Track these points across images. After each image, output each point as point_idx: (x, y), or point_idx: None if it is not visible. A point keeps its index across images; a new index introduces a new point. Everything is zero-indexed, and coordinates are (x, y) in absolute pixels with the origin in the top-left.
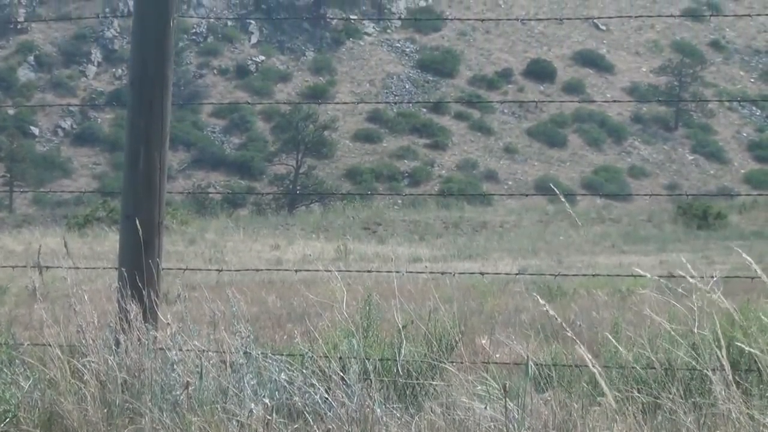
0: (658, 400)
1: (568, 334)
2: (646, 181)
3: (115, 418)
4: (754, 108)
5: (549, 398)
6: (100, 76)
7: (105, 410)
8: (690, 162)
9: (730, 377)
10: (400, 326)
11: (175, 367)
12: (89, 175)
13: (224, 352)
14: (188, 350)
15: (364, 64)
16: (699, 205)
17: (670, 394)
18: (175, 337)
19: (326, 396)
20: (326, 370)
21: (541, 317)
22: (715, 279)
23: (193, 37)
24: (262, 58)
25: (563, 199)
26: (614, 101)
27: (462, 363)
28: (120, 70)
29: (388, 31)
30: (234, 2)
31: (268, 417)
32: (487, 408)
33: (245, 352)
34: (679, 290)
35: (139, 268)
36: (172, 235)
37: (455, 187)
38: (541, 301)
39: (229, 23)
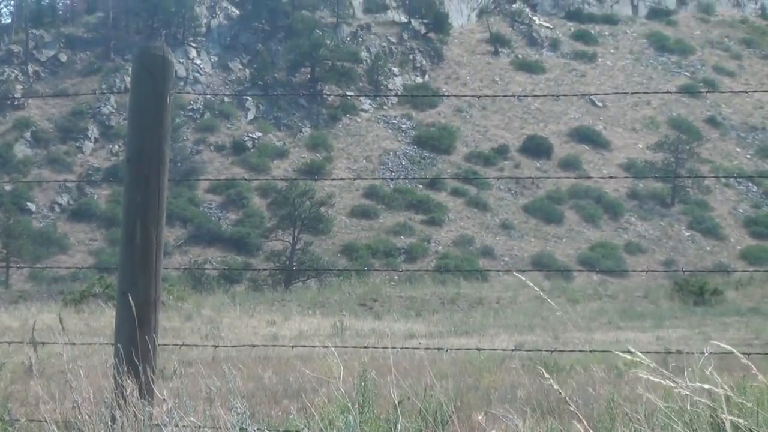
0: None
1: (571, 408)
2: (642, 257)
3: None
4: (750, 184)
5: None
6: (97, 152)
7: None
8: (686, 238)
9: None
10: (396, 402)
11: None
12: (86, 251)
13: (220, 428)
14: (184, 426)
15: (361, 141)
16: (695, 281)
17: None
18: (172, 413)
19: None
20: None
21: (537, 393)
22: (706, 355)
23: (190, 113)
24: (259, 134)
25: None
26: (610, 177)
27: None
28: (117, 146)
29: (385, 107)
30: (231, 78)
31: None
32: None
33: (241, 428)
34: (674, 364)
35: (135, 344)
36: (168, 311)
37: (451, 263)
38: (546, 374)
39: (226, 99)
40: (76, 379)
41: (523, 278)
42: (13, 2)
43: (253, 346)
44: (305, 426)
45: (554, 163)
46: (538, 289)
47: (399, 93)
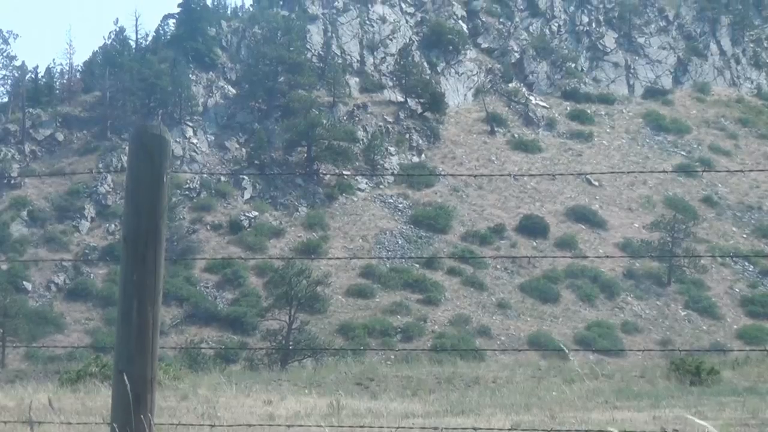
0: None
1: None
2: (638, 336)
3: None
4: (746, 263)
5: None
6: (94, 232)
7: None
8: (683, 318)
9: None
10: None
11: None
12: (82, 330)
13: None
14: None
15: (357, 220)
16: (692, 360)
17: None
18: None
19: None
20: None
21: None
22: None
23: (187, 192)
24: (255, 213)
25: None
26: (607, 257)
27: None
28: (113, 225)
29: (381, 186)
30: (227, 158)
31: None
32: None
33: None
34: None
35: (130, 424)
36: (164, 390)
37: (448, 342)
38: None
39: (223, 179)
40: None
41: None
42: (10, 81)
43: (249, 425)
44: None
45: (550, 243)
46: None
47: (395, 172)
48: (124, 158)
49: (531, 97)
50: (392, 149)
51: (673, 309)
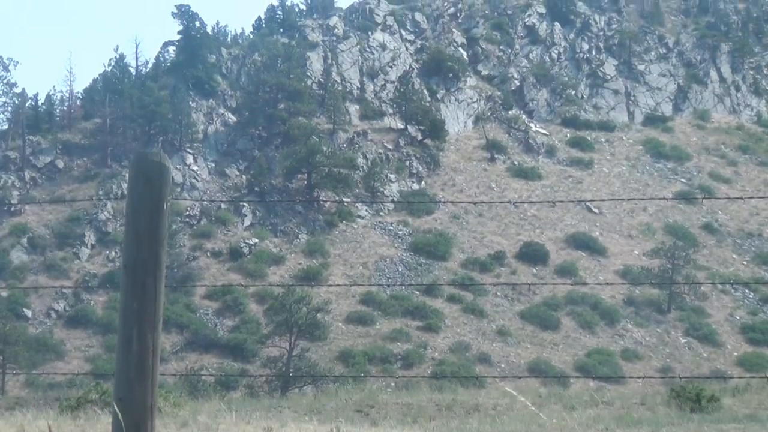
0: None
1: None
2: (639, 363)
3: None
4: (747, 291)
5: None
6: (94, 259)
7: None
8: (683, 345)
9: None
10: None
11: None
12: (82, 357)
13: None
14: None
15: (357, 247)
16: (692, 387)
17: None
18: None
19: None
20: None
21: None
22: None
23: (187, 219)
24: (256, 240)
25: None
26: (607, 284)
27: None
28: (113, 253)
29: (381, 213)
30: (227, 185)
31: None
32: None
33: None
34: None
35: None
36: (164, 417)
37: (448, 369)
38: None
39: (223, 206)
40: None
41: (515, 393)
42: (10, 108)
43: None
44: None
45: (550, 270)
46: (528, 403)
47: (395, 199)
48: (125, 185)
49: (531, 125)
50: (392, 176)
51: (673, 336)
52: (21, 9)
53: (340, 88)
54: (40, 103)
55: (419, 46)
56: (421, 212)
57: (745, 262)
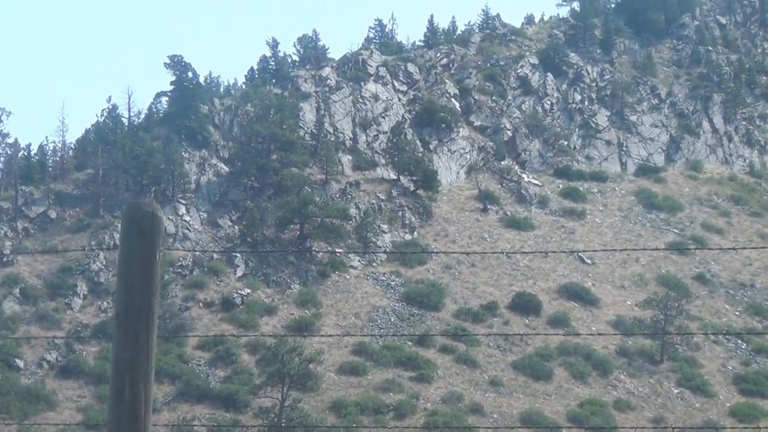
0: None
1: None
2: (631, 414)
3: None
4: (739, 341)
5: None
6: (86, 309)
7: None
8: (675, 395)
9: None
10: None
11: None
12: (74, 407)
13: None
14: None
15: (350, 297)
16: None
17: None
18: None
19: None
20: None
21: None
22: None
23: (179, 269)
24: (248, 291)
25: None
26: (599, 334)
27: None
28: (106, 303)
29: (374, 264)
30: (220, 235)
31: None
32: None
33: None
34: None
35: None
36: None
37: (441, 420)
38: None
39: (215, 256)
40: None
41: None
42: (2, 159)
43: None
44: None
45: (543, 320)
46: None
47: (388, 250)
48: (117, 236)
49: (523, 175)
50: (385, 227)
51: (665, 386)
52: (14, 59)
53: (332, 139)
54: (32, 153)
55: (412, 97)
56: (413, 263)
57: (737, 313)
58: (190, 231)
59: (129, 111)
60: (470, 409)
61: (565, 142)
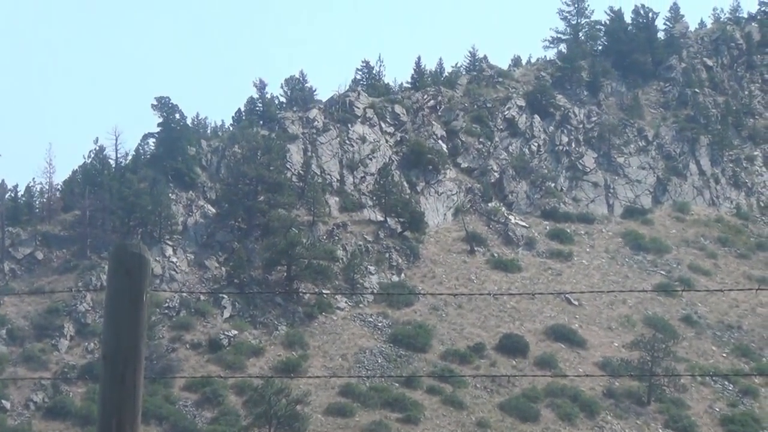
0: None
1: None
2: None
3: None
4: (726, 383)
5: None
6: (73, 350)
7: None
8: None
9: None
10: None
11: None
12: None
13: None
14: None
15: (337, 339)
16: None
17: None
18: None
19: None
20: None
21: None
22: None
23: (166, 310)
24: (235, 332)
25: None
26: (586, 376)
27: None
28: (92, 344)
29: (361, 305)
30: (207, 276)
31: None
32: None
33: None
34: None
35: None
36: None
37: None
38: None
39: (202, 297)
40: None
41: None
42: None
43: None
44: None
45: (530, 362)
46: None
47: (375, 291)
48: (104, 277)
49: (510, 217)
50: (372, 268)
51: (653, 428)
52: (1, 100)
53: (319, 180)
54: (19, 194)
55: (399, 139)
56: (400, 304)
57: (724, 354)
58: (177, 272)
59: (116, 152)
60: None
61: (552, 184)
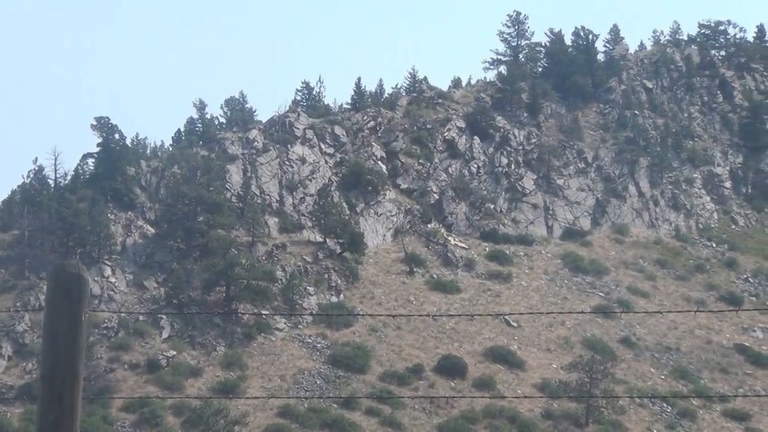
0: None
1: None
2: None
3: None
4: (664, 405)
5: None
6: (11, 370)
7: None
8: None
9: None
10: None
11: None
12: None
13: None
14: None
15: (275, 360)
16: None
17: None
18: None
19: None
20: None
21: None
22: None
23: (104, 331)
24: (173, 352)
25: None
26: (525, 397)
27: None
28: (31, 364)
29: (300, 326)
30: (145, 297)
31: None
32: None
33: None
34: None
35: None
36: None
37: None
38: None
39: (141, 318)
40: None
41: None
42: None
43: None
44: None
45: (469, 383)
46: None
47: (314, 312)
48: (42, 297)
49: (450, 238)
50: (311, 289)
51: None
52: None
53: (259, 201)
54: None
55: (339, 160)
56: (339, 325)
57: (663, 376)
58: (115, 293)
59: (55, 172)
60: None
61: (492, 206)
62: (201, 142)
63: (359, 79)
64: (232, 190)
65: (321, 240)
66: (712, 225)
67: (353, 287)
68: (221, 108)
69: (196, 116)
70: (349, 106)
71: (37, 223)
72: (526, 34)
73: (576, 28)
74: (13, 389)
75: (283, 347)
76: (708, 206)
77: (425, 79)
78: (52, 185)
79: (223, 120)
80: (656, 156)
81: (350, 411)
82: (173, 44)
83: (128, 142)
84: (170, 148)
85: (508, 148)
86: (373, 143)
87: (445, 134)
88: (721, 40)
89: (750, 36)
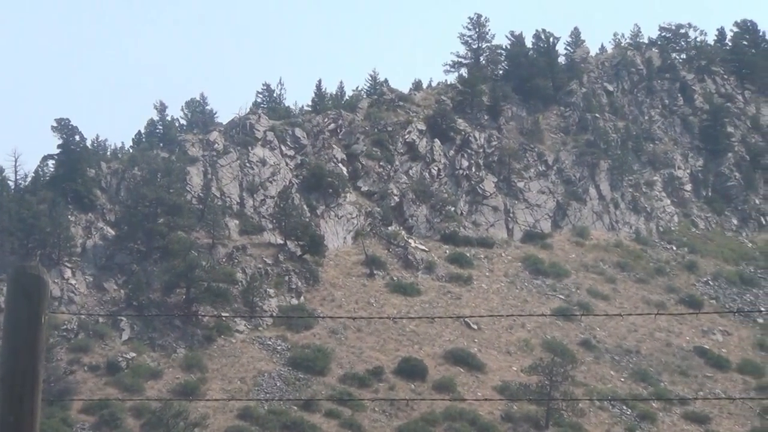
0: None
1: None
2: None
3: None
4: (624, 407)
5: None
6: None
7: None
8: None
9: None
10: None
11: None
12: None
13: None
14: None
15: (236, 362)
16: None
17: None
18: None
19: None
20: None
21: None
22: None
23: (64, 333)
24: (133, 354)
25: None
26: (485, 399)
27: None
28: None
29: (260, 328)
30: (105, 299)
31: None
32: None
33: None
34: None
35: None
36: None
37: None
38: None
39: (101, 320)
40: None
41: None
42: None
43: None
44: None
45: (429, 385)
46: None
47: (274, 314)
48: (2, 299)
49: (410, 241)
50: (271, 291)
51: None
52: None
53: (219, 203)
54: None
55: (299, 162)
56: (299, 327)
57: (622, 379)
58: (75, 294)
59: (15, 174)
60: None
61: (452, 208)
62: (161, 144)
63: (320, 81)
64: (193, 192)
65: (281, 242)
66: (673, 228)
67: (313, 289)
68: (182, 110)
69: (156, 118)
70: (309, 109)
71: None
72: (487, 36)
73: (537, 30)
74: None
75: (243, 349)
76: (668, 209)
77: (386, 81)
78: (12, 187)
79: (183, 122)
80: (617, 159)
81: (310, 413)
82: (134, 45)
83: (89, 143)
84: (131, 150)
85: (469, 151)
86: (333, 145)
87: (406, 137)
88: (682, 43)
89: (711, 39)
